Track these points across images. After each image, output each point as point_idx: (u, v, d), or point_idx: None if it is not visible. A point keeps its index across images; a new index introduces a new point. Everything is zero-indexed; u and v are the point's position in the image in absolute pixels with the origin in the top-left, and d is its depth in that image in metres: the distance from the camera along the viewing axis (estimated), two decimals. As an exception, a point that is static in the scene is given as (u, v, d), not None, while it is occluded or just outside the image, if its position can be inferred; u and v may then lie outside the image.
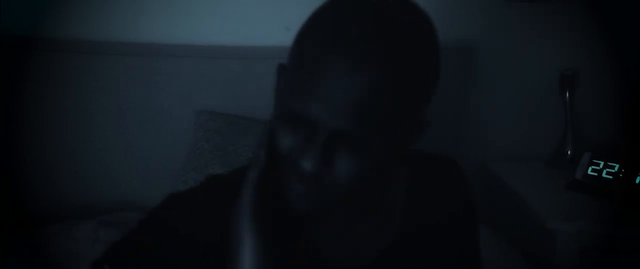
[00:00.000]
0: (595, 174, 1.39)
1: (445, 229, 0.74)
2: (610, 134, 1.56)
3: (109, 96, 1.46)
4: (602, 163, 1.39)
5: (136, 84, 1.45)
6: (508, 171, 1.57)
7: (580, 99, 1.59)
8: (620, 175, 1.34)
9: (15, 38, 1.42)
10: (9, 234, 1.25)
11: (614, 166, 1.36)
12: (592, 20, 1.57)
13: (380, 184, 0.68)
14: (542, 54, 1.62)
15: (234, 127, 1.41)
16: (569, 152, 1.54)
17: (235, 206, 0.61)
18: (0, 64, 1.38)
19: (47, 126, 1.42)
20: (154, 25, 1.49)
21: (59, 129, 1.44)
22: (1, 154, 1.39)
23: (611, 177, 1.35)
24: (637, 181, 1.31)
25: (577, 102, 1.58)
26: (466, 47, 1.57)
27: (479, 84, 1.63)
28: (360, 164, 0.58)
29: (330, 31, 0.56)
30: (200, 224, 0.63)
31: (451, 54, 1.52)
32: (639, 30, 1.52)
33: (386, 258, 0.68)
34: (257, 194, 0.60)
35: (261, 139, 0.61)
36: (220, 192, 0.66)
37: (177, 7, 1.49)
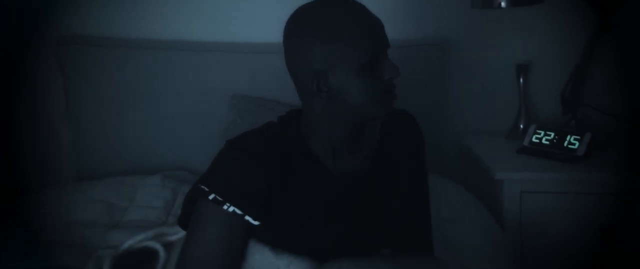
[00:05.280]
0: (538, 141, 1.70)
1: (403, 157, 1.07)
2: (552, 110, 1.84)
3: (166, 82, 1.75)
4: (542, 132, 1.70)
5: (189, 73, 1.75)
6: (476, 143, 1.82)
7: (531, 84, 1.86)
8: (554, 140, 1.68)
9: (97, 38, 1.77)
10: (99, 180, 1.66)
11: (551, 134, 1.69)
12: (539, 22, 1.85)
13: (370, 127, 1.03)
14: (501, 49, 1.87)
15: (263, 107, 1.68)
16: (521, 126, 1.82)
17: None
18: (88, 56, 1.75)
19: (123, 106, 1.76)
20: (203, 27, 1.82)
21: (132, 108, 1.75)
22: (87, 130, 1.77)
23: (548, 142, 1.69)
24: (564, 145, 1.66)
25: (528, 86, 1.84)
26: (443, 43, 1.82)
27: (454, 73, 1.85)
28: None
29: (352, 11, 0.92)
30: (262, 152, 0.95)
31: (431, 49, 1.80)
32: (576, 30, 1.83)
33: (367, 168, 1.03)
34: None
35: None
36: (261, 137, 0.97)
37: (222, 13, 1.81)
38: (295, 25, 0.95)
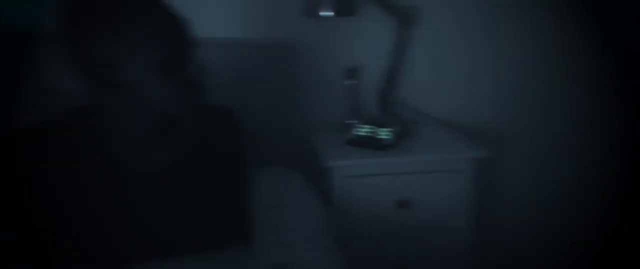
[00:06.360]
0: (360, 133, 2.01)
1: (217, 153, 0.99)
2: (374, 106, 2.15)
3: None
4: (365, 127, 2.02)
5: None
6: (316, 137, 2.05)
7: (361, 84, 2.13)
8: (371, 133, 2.01)
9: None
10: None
11: (369, 128, 2.00)
12: (367, 29, 2.09)
13: (177, 124, 0.90)
14: (335, 51, 2.05)
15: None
16: (350, 121, 2.08)
17: None
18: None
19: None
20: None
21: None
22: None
23: (367, 134, 2.00)
24: (378, 136, 1.98)
25: (358, 86, 2.10)
26: (289, 46, 1.94)
27: (299, 74, 2.01)
28: None
29: (150, 3, 0.75)
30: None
31: (278, 51, 1.94)
32: (389, 37, 2.11)
33: (177, 165, 0.93)
34: None
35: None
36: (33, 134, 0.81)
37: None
38: (78, 13, 0.80)
